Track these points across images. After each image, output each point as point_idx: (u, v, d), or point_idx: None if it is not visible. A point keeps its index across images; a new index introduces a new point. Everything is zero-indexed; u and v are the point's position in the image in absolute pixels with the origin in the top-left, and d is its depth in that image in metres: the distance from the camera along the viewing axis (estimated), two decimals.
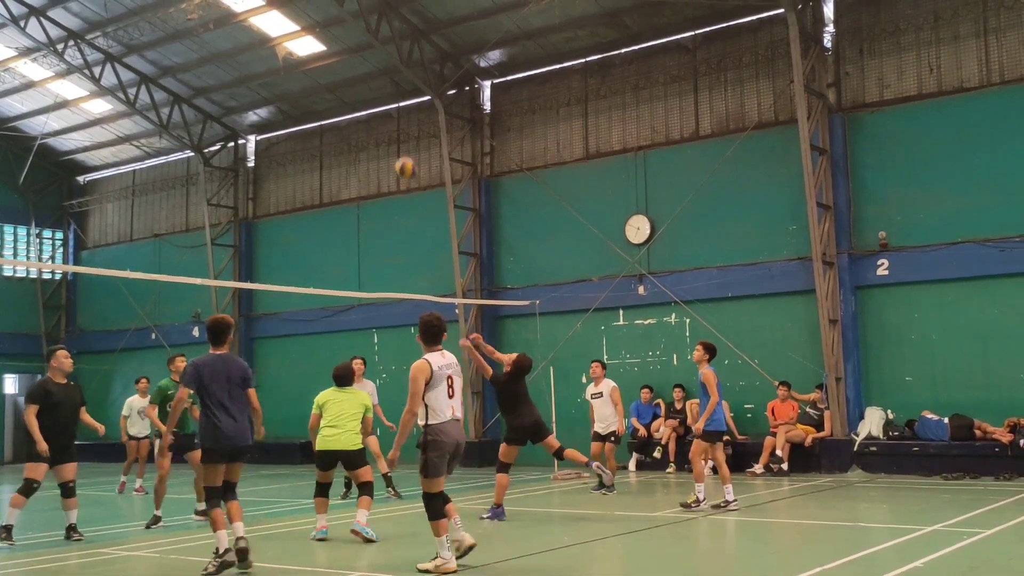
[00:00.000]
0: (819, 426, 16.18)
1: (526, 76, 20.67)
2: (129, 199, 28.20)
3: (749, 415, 17.38)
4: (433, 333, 8.02)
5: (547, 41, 19.63)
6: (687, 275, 18.14)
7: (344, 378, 10.45)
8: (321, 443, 10.08)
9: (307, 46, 20.90)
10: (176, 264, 25.05)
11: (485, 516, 11.16)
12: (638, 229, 18.77)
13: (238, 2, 19.80)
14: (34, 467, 9.88)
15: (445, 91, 20.39)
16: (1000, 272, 15.35)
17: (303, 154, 24.37)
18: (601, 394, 14.21)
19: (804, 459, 15.99)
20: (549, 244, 19.92)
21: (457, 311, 19.99)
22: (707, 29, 18.39)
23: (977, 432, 14.88)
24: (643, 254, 18.67)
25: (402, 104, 22.31)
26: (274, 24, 20.37)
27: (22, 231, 28.84)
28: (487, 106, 21.19)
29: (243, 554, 7.86)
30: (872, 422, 15.81)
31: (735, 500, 11.48)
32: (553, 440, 11.67)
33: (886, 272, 16.30)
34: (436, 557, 7.69)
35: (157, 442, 11.92)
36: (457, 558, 7.82)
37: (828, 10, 17.08)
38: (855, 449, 15.71)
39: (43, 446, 9.73)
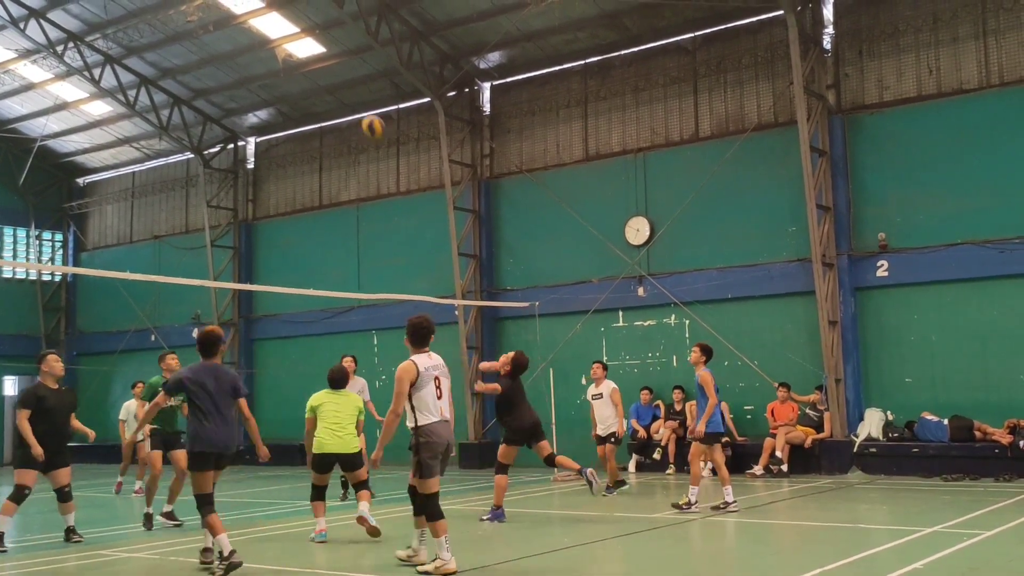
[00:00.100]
0: (819, 427, 16.18)
1: (526, 78, 20.68)
2: (129, 201, 28.20)
3: (749, 416, 17.38)
4: (421, 335, 8.01)
5: (547, 43, 19.64)
6: (687, 276, 18.14)
7: (339, 381, 10.44)
8: (319, 446, 10.04)
9: (307, 48, 20.91)
10: (176, 266, 25.05)
11: (485, 518, 11.16)
12: (638, 230, 18.77)
13: (238, 4, 19.80)
14: (24, 473, 9.79)
15: (445, 93, 20.40)
16: (999, 273, 15.35)
17: (303, 156, 24.37)
18: (601, 395, 14.21)
19: (804, 460, 15.99)
20: (549, 246, 19.93)
21: (457, 313, 20.00)
22: (707, 31, 18.40)
23: (977, 433, 14.88)
24: (643, 255, 18.67)
25: (402, 106, 22.31)
26: (274, 26, 20.38)
27: (22, 233, 28.84)
28: (487, 108, 21.20)
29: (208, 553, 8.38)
30: (872, 423, 15.81)
31: (735, 501, 11.47)
32: (546, 445, 11.65)
33: (886, 273, 16.30)
34: (436, 559, 7.70)
35: (147, 441, 11.89)
36: (405, 561, 8.04)
37: (828, 12, 17.09)
38: (855, 450, 15.71)
39: (38, 450, 9.65)
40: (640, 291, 18.63)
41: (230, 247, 25.03)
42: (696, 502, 11.48)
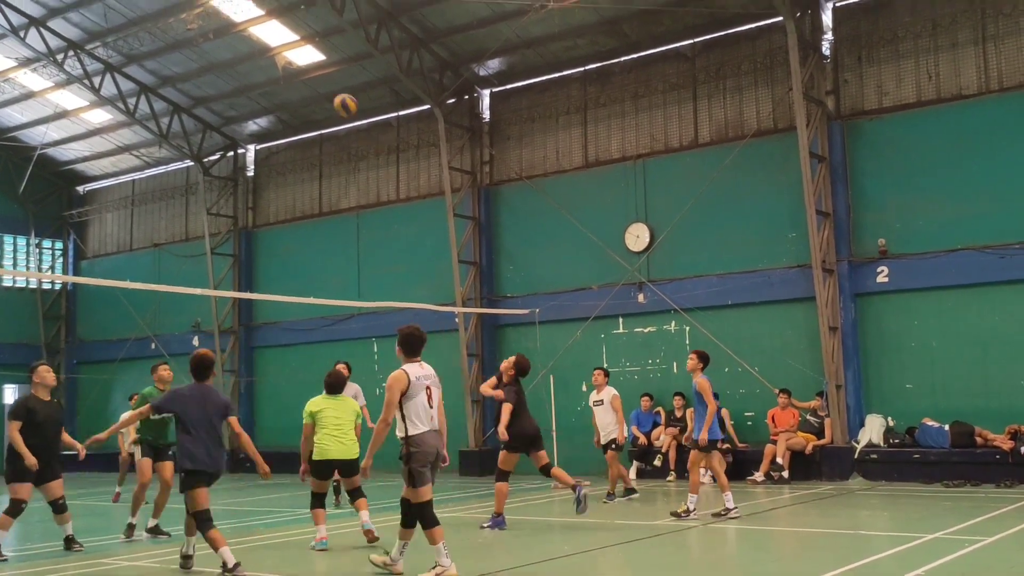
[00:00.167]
0: (820, 434, 16.16)
1: (525, 85, 20.71)
2: (129, 209, 28.22)
3: (749, 423, 17.36)
4: (412, 344, 8.00)
5: (546, 50, 19.67)
6: (687, 283, 18.14)
7: (337, 386, 10.40)
8: (322, 453, 9.99)
9: (307, 55, 20.95)
10: (176, 274, 25.05)
11: (486, 525, 11.13)
12: (637, 237, 18.78)
13: (238, 12, 19.85)
14: (18, 487, 9.69)
15: (444, 100, 20.42)
16: (999, 279, 15.35)
17: (303, 163, 24.39)
18: (602, 402, 14.19)
19: (805, 467, 15.98)
20: (549, 252, 19.93)
21: (457, 320, 20.00)
22: (706, 37, 18.42)
23: (978, 439, 14.85)
24: (643, 262, 18.67)
25: (401, 113, 22.34)
26: (274, 34, 20.41)
27: (22, 241, 28.85)
28: (486, 115, 21.22)
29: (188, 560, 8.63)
30: (873, 429, 15.79)
31: (735, 508, 11.44)
32: (544, 455, 11.58)
33: (886, 279, 16.30)
34: (435, 566, 7.68)
35: (137, 449, 11.81)
36: (380, 568, 8.12)
37: (827, 18, 17.11)
38: (856, 457, 15.70)
39: (31, 460, 9.53)
40: (640, 298, 18.62)
41: (230, 255, 25.04)
42: (695, 510, 11.45)
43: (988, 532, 9.63)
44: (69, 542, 10.18)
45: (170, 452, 10.96)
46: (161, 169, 27.24)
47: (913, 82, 16.46)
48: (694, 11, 17.64)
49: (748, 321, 17.54)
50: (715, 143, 18.23)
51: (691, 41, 18.60)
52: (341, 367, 13.38)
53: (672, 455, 17.04)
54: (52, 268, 29.28)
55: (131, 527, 11.01)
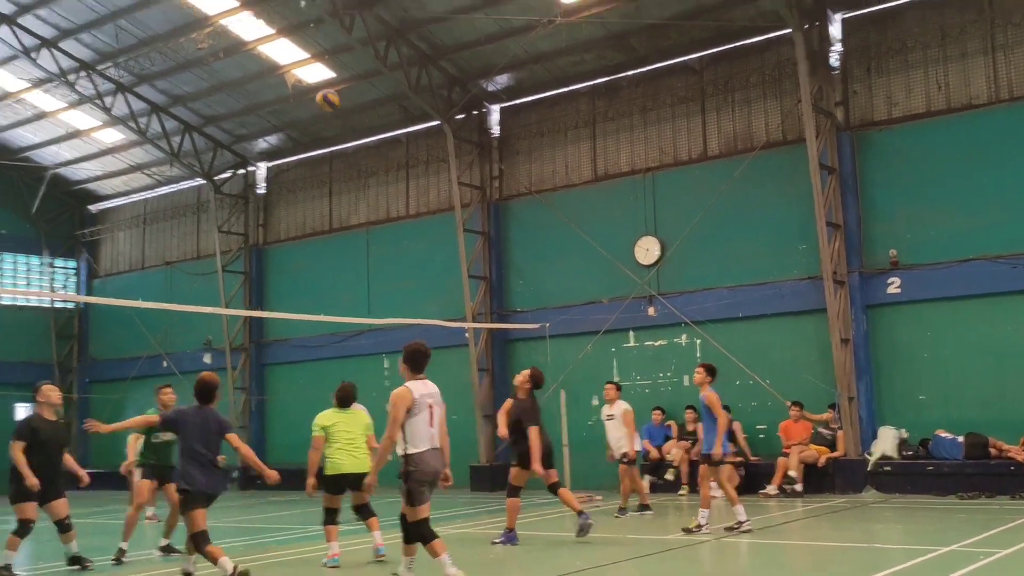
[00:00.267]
0: (832, 446, 16.07)
1: (534, 100, 20.75)
2: (141, 227, 28.36)
3: (761, 436, 17.28)
4: (418, 360, 7.98)
5: (554, 65, 19.72)
6: (697, 296, 18.10)
7: (348, 399, 10.34)
8: (333, 467, 9.92)
9: (316, 73, 21.05)
10: (187, 291, 25.15)
11: (497, 540, 11.08)
12: (647, 250, 18.76)
13: (248, 31, 19.98)
14: (24, 507, 9.61)
15: (453, 116, 20.49)
16: (1012, 289, 15.26)
17: (313, 180, 24.49)
18: (614, 416, 14.14)
19: (818, 479, 15.87)
20: (558, 266, 19.93)
21: (467, 335, 19.99)
22: (714, 50, 18.43)
23: (992, 450, 14.74)
24: (653, 275, 18.65)
25: (411, 129, 22.41)
26: (283, 52, 20.54)
27: (35, 260, 29.00)
28: (495, 130, 21.28)
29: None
30: (886, 441, 15.68)
31: (747, 520, 11.34)
32: (555, 473, 11.46)
33: (897, 290, 16.23)
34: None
35: (137, 471, 11.77)
36: None
37: (835, 29, 17.11)
38: (869, 469, 15.59)
39: (33, 480, 9.44)
40: (651, 311, 18.59)
41: (241, 272, 25.12)
42: (707, 524, 11.35)
43: (1004, 544, 9.54)
44: (74, 561, 10.09)
45: (175, 474, 10.94)
46: (172, 188, 27.38)
47: (923, 92, 16.43)
48: (701, 25, 17.67)
49: (759, 333, 17.48)
50: (724, 156, 18.22)
51: (699, 54, 18.62)
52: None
53: (684, 469, 16.96)
54: (65, 287, 29.42)
55: (121, 551, 10.71)
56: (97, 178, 28.02)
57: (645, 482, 17.36)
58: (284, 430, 23.74)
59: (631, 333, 18.95)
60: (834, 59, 17.05)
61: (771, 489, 15.83)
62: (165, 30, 20.33)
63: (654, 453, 17.49)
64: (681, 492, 16.74)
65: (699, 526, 11.31)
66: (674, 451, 17.28)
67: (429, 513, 7.83)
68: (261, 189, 25.53)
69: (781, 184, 17.42)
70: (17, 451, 9.50)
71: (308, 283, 23.90)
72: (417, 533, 7.79)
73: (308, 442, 10.03)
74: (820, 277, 16.37)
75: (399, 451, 7.85)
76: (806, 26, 16.40)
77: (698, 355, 17.84)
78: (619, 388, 14.36)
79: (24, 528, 9.63)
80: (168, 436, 10.53)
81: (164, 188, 27.58)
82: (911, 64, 16.56)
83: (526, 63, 19.72)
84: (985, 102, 15.86)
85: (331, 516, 9.94)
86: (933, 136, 16.23)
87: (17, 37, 21.24)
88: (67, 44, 21.67)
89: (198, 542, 8.29)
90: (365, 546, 10.16)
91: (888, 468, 15.46)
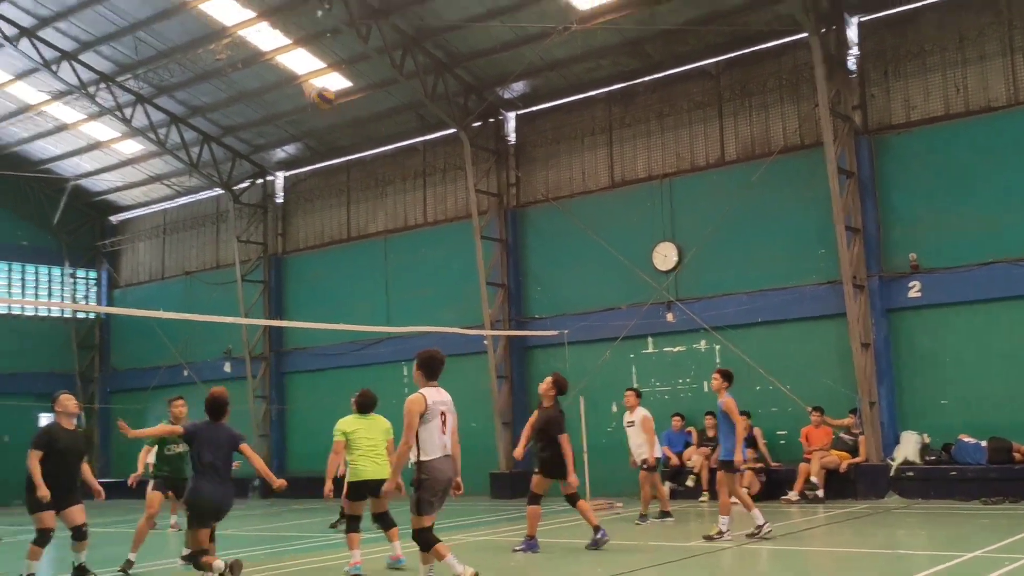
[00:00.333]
0: (854, 451, 15.97)
1: (550, 107, 20.78)
2: (160, 237, 28.56)
3: (782, 441, 17.19)
4: (432, 367, 8.03)
5: (570, 72, 19.74)
6: (716, 301, 18.06)
7: (369, 405, 10.35)
8: (357, 474, 9.88)
9: (333, 82, 21.12)
10: (207, 301, 25.27)
11: (518, 548, 11.07)
12: (665, 256, 18.74)
13: (265, 41, 20.11)
14: (42, 516, 9.58)
15: (470, 123, 20.54)
16: None
17: (330, 189, 24.60)
18: (634, 423, 14.12)
19: (839, 485, 15.77)
20: (576, 273, 19.92)
21: (485, 342, 20.01)
22: (730, 55, 18.40)
23: (1016, 455, 14.62)
24: (671, 281, 18.62)
25: (427, 137, 22.49)
26: (301, 62, 20.65)
27: (56, 271, 29.25)
28: (512, 137, 21.32)
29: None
30: (908, 447, 15.58)
31: (766, 522, 11.28)
32: (575, 482, 11.43)
33: (918, 294, 16.13)
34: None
35: (150, 482, 11.79)
36: None
37: (852, 33, 17.05)
38: (891, 474, 15.49)
39: (43, 492, 9.40)
40: (669, 317, 18.55)
41: (260, 281, 25.25)
42: (728, 531, 11.29)
43: None
44: (79, 571, 10.01)
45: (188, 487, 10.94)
46: (192, 198, 27.56)
47: (941, 95, 16.34)
48: (717, 30, 17.65)
49: (779, 338, 17.41)
50: (742, 160, 18.18)
51: (715, 59, 18.59)
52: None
53: (704, 475, 16.89)
54: (86, 298, 29.65)
55: (129, 563, 10.59)
56: (117, 189, 28.24)
57: (666, 488, 17.39)
58: (304, 438, 23.81)
59: (650, 339, 18.92)
60: (851, 63, 16.99)
61: (792, 495, 15.75)
62: (183, 41, 20.49)
63: (674, 459, 17.44)
64: (702, 499, 16.67)
65: (720, 533, 11.25)
66: (694, 457, 17.23)
67: (433, 522, 7.86)
68: (279, 198, 25.67)
69: (799, 188, 17.36)
70: (33, 460, 9.48)
71: (327, 291, 23.99)
72: (420, 541, 7.83)
73: (328, 450, 10.03)
74: (839, 282, 16.30)
75: (412, 458, 7.87)
76: (823, 30, 16.34)
77: (717, 360, 17.78)
78: (639, 395, 14.33)
79: (43, 537, 9.63)
80: (180, 448, 10.60)
81: (183, 198, 27.77)
82: (929, 67, 16.49)
83: (542, 70, 19.76)
84: (1004, 104, 15.76)
85: (353, 524, 9.91)
86: (952, 139, 16.14)
87: (38, 50, 21.45)
88: (87, 56, 21.87)
89: (196, 558, 8.44)
90: (387, 555, 10.15)
91: (910, 473, 15.35)
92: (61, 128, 25.18)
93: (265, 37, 19.98)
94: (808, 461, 15.87)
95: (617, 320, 18.99)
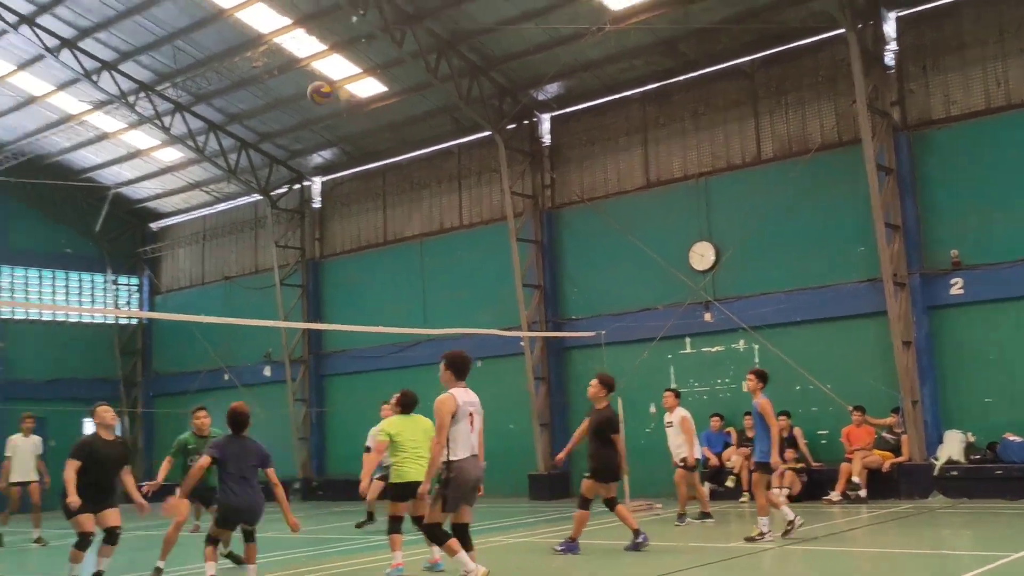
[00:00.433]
0: (896, 451, 15.80)
1: (584, 108, 20.76)
2: (200, 243, 28.90)
3: (823, 441, 17.04)
4: (462, 367, 8.23)
5: (604, 72, 19.71)
6: (754, 300, 17.93)
7: (411, 405, 10.39)
8: (398, 475, 9.86)
9: (369, 87, 21.30)
10: (246, 305, 25.53)
11: (559, 548, 11.08)
12: (702, 256, 18.64)
13: (301, 48, 20.28)
14: (81, 520, 9.66)
15: (504, 126, 20.57)
16: None
17: (367, 193, 24.75)
18: (672, 424, 14.08)
19: (882, 485, 15.59)
20: (613, 274, 19.88)
21: (523, 344, 20.03)
22: (765, 53, 18.27)
23: None
24: (708, 281, 18.52)
25: (462, 140, 22.55)
26: (336, 68, 20.80)
27: (99, 279, 29.70)
28: (546, 139, 21.32)
29: None
30: (952, 446, 15.37)
31: (796, 516, 11.27)
32: (614, 487, 11.37)
33: (960, 291, 15.91)
34: (467, 574, 7.71)
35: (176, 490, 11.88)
36: None
37: (889, 28, 16.87)
38: (935, 474, 15.29)
39: (73, 499, 9.50)
40: (707, 316, 18.45)
41: (298, 285, 25.46)
42: (769, 531, 11.20)
43: None
44: None
45: (216, 496, 11.01)
46: (230, 204, 27.86)
47: (981, 89, 16.12)
48: (752, 28, 17.54)
49: (818, 338, 17.26)
50: (779, 159, 18.04)
51: (750, 57, 18.47)
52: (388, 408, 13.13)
53: (744, 476, 16.77)
54: (128, 304, 30.06)
55: (158, 571, 10.41)
56: (157, 196, 28.61)
57: (705, 489, 17.30)
58: (344, 441, 23.95)
59: (687, 339, 18.83)
60: (889, 58, 16.81)
61: (834, 495, 15.60)
62: (221, 49, 20.72)
63: (714, 460, 17.35)
64: (742, 499, 16.56)
65: (762, 534, 11.18)
66: (734, 458, 17.12)
67: (446, 520, 7.97)
68: (317, 203, 25.88)
69: (837, 186, 17.20)
70: (70, 470, 9.58)
71: (364, 295, 24.14)
72: (431, 534, 7.91)
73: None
74: (880, 279, 16.12)
75: (442, 457, 7.94)
76: (859, 25, 16.15)
77: (756, 360, 17.65)
78: (678, 395, 14.29)
79: (84, 541, 9.75)
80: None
81: (222, 204, 28.08)
82: (968, 61, 16.26)
83: (575, 71, 19.74)
84: None
85: (395, 524, 9.91)
86: (993, 133, 15.91)
87: (79, 61, 21.79)
88: (127, 66, 22.18)
89: (210, 541, 9.13)
90: (426, 557, 10.19)
91: (955, 473, 15.15)
92: (102, 137, 25.57)
93: (301, 44, 20.14)
94: (850, 461, 15.71)
95: (654, 320, 18.92)
